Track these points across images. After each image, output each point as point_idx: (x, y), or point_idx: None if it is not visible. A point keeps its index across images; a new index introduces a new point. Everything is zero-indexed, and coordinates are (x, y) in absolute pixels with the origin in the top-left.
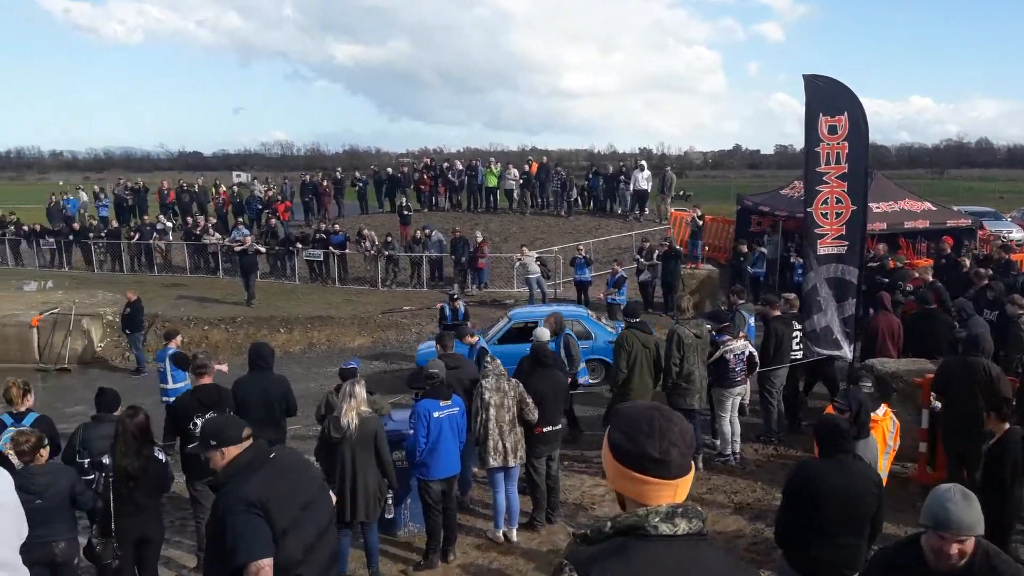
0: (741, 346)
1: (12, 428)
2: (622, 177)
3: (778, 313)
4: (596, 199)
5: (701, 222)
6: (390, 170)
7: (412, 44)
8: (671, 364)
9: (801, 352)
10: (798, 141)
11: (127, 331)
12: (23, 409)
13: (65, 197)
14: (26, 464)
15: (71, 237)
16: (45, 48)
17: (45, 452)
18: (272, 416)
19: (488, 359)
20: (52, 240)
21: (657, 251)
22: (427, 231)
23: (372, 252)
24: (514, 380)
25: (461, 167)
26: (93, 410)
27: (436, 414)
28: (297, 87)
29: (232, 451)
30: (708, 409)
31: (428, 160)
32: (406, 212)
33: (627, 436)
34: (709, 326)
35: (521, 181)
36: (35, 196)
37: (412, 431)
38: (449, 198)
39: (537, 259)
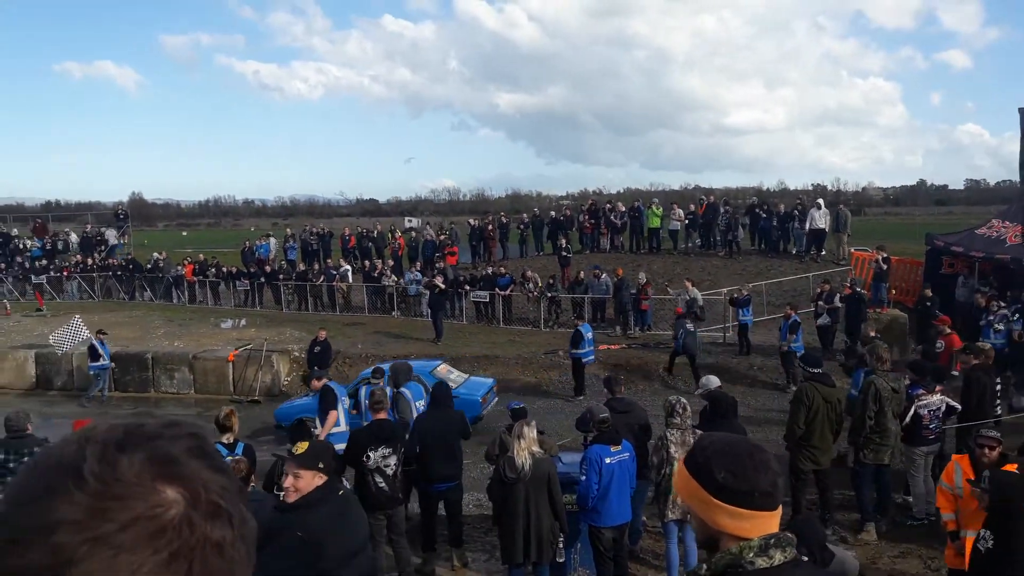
0: (937, 401)
1: (228, 457)
2: (796, 214)
3: (977, 362)
4: (768, 239)
5: (886, 265)
6: (553, 213)
7: (571, 89)
8: (865, 417)
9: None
10: (991, 175)
11: (313, 368)
12: (233, 440)
13: (258, 242)
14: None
15: (263, 279)
16: (238, 107)
17: (252, 481)
18: (451, 451)
19: (679, 409)
20: (246, 281)
21: (838, 294)
22: (596, 272)
23: (535, 294)
24: (700, 433)
25: (623, 208)
26: (283, 441)
27: (607, 460)
28: (462, 135)
29: (316, 479)
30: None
31: (590, 202)
32: (566, 254)
33: (734, 474)
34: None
35: (686, 221)
36: (231, 240)
37: (584, 477)
38: (611, 239)
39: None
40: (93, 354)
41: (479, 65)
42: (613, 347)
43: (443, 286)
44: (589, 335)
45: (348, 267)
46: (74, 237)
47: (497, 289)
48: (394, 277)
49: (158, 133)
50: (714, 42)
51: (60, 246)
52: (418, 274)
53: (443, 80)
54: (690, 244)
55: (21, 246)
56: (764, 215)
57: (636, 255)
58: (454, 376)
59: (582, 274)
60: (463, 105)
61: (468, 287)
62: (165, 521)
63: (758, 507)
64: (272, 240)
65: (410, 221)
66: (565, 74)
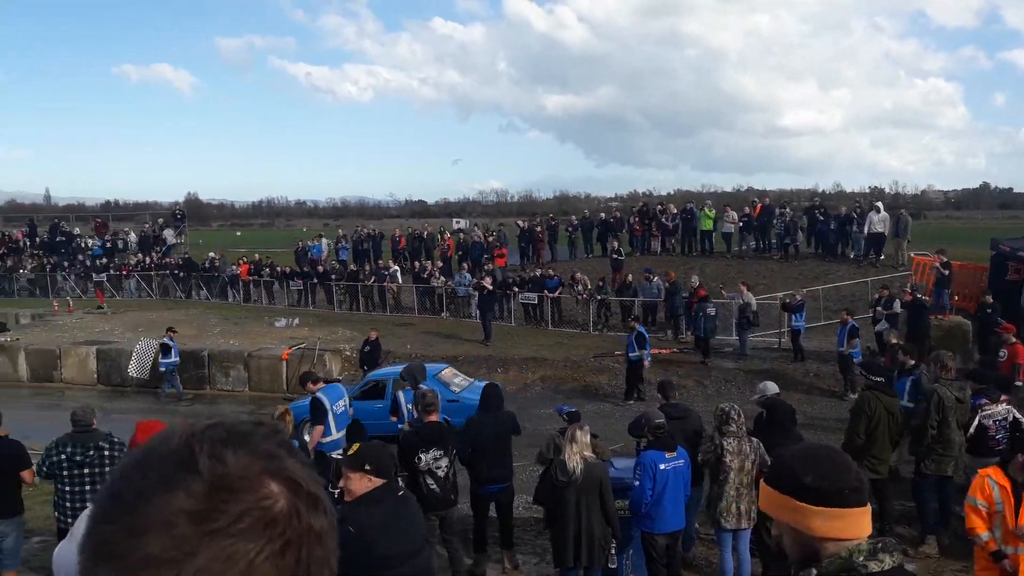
0: (1003, 411)
1: None
2: (855, 217)
3: None
4: (825, 242)
5: (947, 271)
6: (603, 215)
7: (620, 90)
8: (927, 427)
9: None
10: None
11: (364, 367)
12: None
13: (311, 243)
14: None
15: (315, 279)
16: (290, 109)
17: None
18: (503, 453)
19: (735, 416)
20: (299, 281)
21: (899, 300)
22: (647, 275)
23: (584, 296)
24: (755, 441)
25: (675, 210)
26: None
27: (662, 466)
28: (510, 137)
29: (366, 480)
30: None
31: (641, 204)
32: (617, 256)
33: (821, 476)
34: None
35: (740, 224)
36: (283, 241)
37: (637, 482)
38: (662, 242)
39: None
40: (165, 351)
41: (528, 67)
42: (664, 351)
43: (491, 287)
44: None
45: (398, 268)
46: (133, 236)
47: (546, 291)
48: (443, 278)
49: (213, 135)
50: (768, 41)
51: (120, 245)
52: (467, 275)
53: (492, 82)
54: (744, 247)
55: (83, 245)
56: (822, 218)
57: (688, 258)
58: (459, 380)
59: (631, 277)
60: (512, 107)
61: (516, 289)
62: (275, 512)
63: (850, 504)
64: (324, 241)
65: (458, 222)
66: (615, 75)
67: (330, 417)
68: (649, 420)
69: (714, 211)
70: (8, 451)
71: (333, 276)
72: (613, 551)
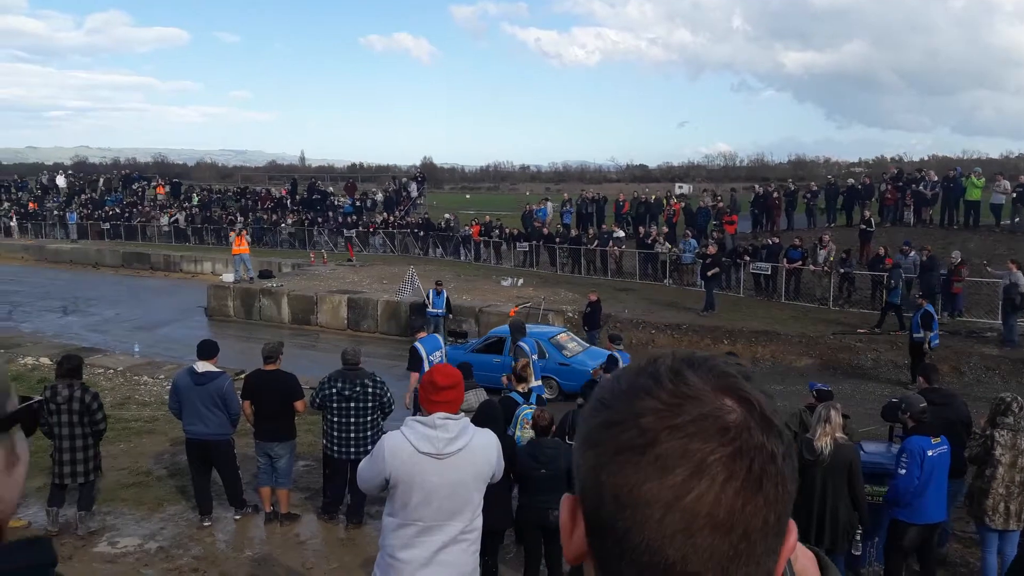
0: None
1: (527, 406)
2: None
3: None
4: None
5: None
6: (851, 181)
7: (871, 45)
8: None
9: None
10: None
11: (585, 327)
12: (528, 390)
13: (537, 207)
14: (539, 438)
15: (540, 241)
16: (518, 74)
17: (554, 429)
18: None
19: (1016, 408)
20: (525, 243)
21: None
22: (905, 247)
23: (826, 268)
24: None
25: (935, 177)
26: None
27: (930, 453)
28: (742, 98)
29: None
30: None
31: (893, 169)
32: (867, 227)
33: None
34: None
35: (1014, 195)
36: (508, 204)
37: (903, 470)
38: (918, 212)
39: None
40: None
41: (766, 22)
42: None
43: (716, 254)
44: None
45: (622, 232)
46: (380, 196)
47: (786, 261)
48: (668, 244)
49: (447, 101)
50: None
51: (368, 204)
52: (693, 242)
53: (725, 40)
54: (1016, 220)
55: (335, 203)
56: None
57: (948, 230)
58: (574, 345)
59: (882, 249)
60: (745, 65)
61: (748, 258)
62: (728, 421)
63: None
64: (550, 205)
65: (681, 187)
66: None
67: (425, 365)
68: (912, 404)
69: (983, 179)
70: (285, 382)
71: (557, 239)
72: (858, 537)
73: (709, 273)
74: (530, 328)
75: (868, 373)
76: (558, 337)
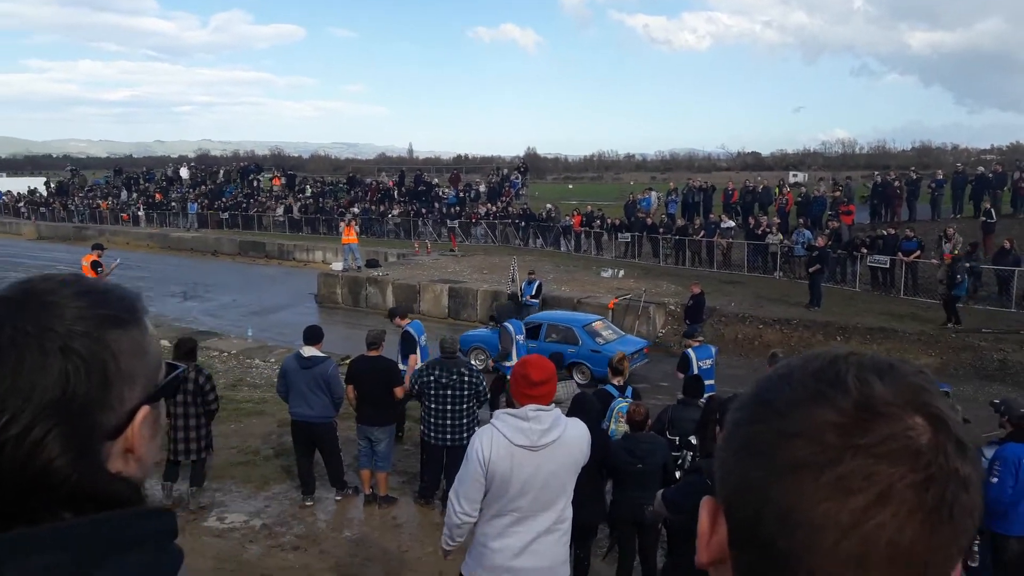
0: None
1: (622, 400)
2: None
3: None
4: None
5: None
6: (981, 169)
7: (1008, 23)
8: None
9: None
10: None
11: (687, 321)
12: (623, 384)
13: (641, 196)
14: (635, 433)
15: (643, 232)
16: (625, 62)
17: (648, 424)
18: None
19: None
20: (627, 234)
21: None
22: None
23: (947, 262)
24: None
25: None
26: (679, 391)
27: None
28: (863, 82)
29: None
30: None
31: None
32: (988, 219)
33: None
34: None
35: None
36: (611, 193)
37: (995, 479)
38: None
39: None
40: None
41: (889, 1)
42: None
43: (822, 246)
44: None
45: (732, 223)
46: (483, 187)
47: (900, 254)
48: (780, 235)
49: (552, 90)
50: None
51: (472, 195)
52: (807, 233)
53: (845, 20)
54: None
55: (440, 194)
56: None
57: None
58: (608, 333)
59: (1007, 243)
60: (866, 47)
61: (865, 250)
62: (920, 444)
63: None
64: (654, 194)
65: (795, 175)
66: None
67: (419, 350)
68: (1011, 408)
69: None
70: (385, 368)
71: (661, 229)
72: (976, 548)
73: (811, 269)
74: (565, 314)
75: (994, 375)
76: (593, 324)
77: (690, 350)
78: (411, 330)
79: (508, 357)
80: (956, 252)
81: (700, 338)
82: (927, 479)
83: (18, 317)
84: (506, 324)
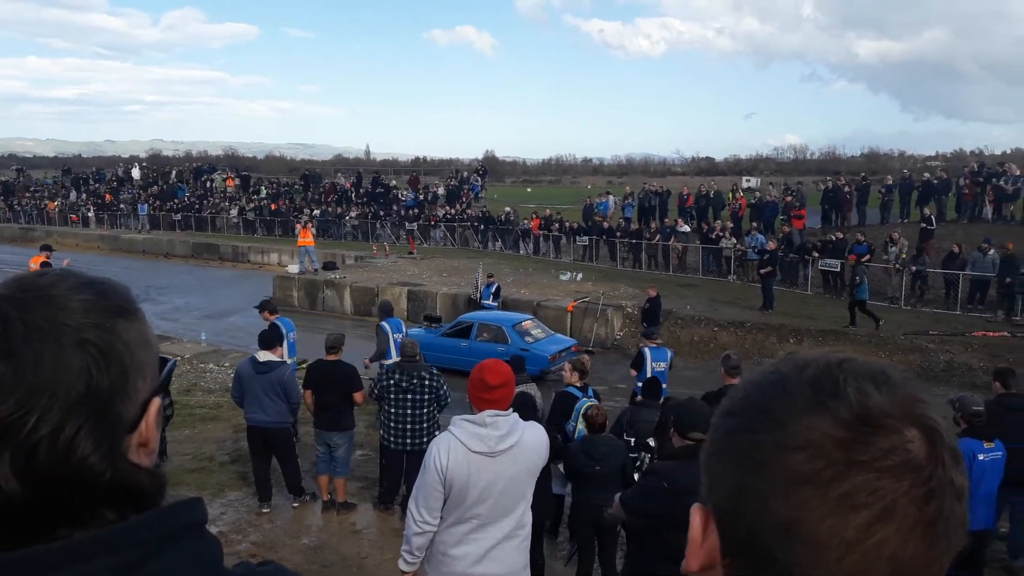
0: None
1: (585, 400)
2: None
3: None
4: None
5: None
6: (927, 175)
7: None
8: None
9: None
10: None
11: (644, 323)
12: (583, 385)
13: (599, 200)
14: (593, 435)
15: (601, 236)
16: (581, 66)
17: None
18: None
19: None
20: (585, 238)
21: None
22: (985, 245)
23: (897, 266)
24: None
25: (1018, 171)
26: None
27: (980, 457)
28: (813, 89)
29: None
30: None
31: (974, 164)
32: (927, 226)
33: None
34: None
35: None
36: (569, 197)
37: None
38: (998, 208)
39: None
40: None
41: (838, 10)
42: (992, 334)
43: (771, 250)
44: None
45: (687, 227)
46: (441, 190)
47: (852, 256)
48: (733, 239)
49: (509, 94)
50: None
51: (430, 197)
52: (760, 237)
53: (795, 28)
54: None
55: (399, 196)
56: None
57: None
58: (537, 332)
59: (956, 247)
60: (816, 55)
61: (816, 254)
62: (920, 458)
63: None
64: (611, 198)
65: (748, 180)
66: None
67: (285, 343)
68: (965, 405)
69: None
70: (345, 373)
71: (618, 233)
72: None
73: (762, 271)
74: (496, 313)
75: (940, 376)
76: (523, 324)
77: (646, 348)
78: (278, 323)
79: (384, 356)
80: (903, 256)
81: (658, 340)
82: (928, 493)
83: (25, 312)
84: (382, 323)
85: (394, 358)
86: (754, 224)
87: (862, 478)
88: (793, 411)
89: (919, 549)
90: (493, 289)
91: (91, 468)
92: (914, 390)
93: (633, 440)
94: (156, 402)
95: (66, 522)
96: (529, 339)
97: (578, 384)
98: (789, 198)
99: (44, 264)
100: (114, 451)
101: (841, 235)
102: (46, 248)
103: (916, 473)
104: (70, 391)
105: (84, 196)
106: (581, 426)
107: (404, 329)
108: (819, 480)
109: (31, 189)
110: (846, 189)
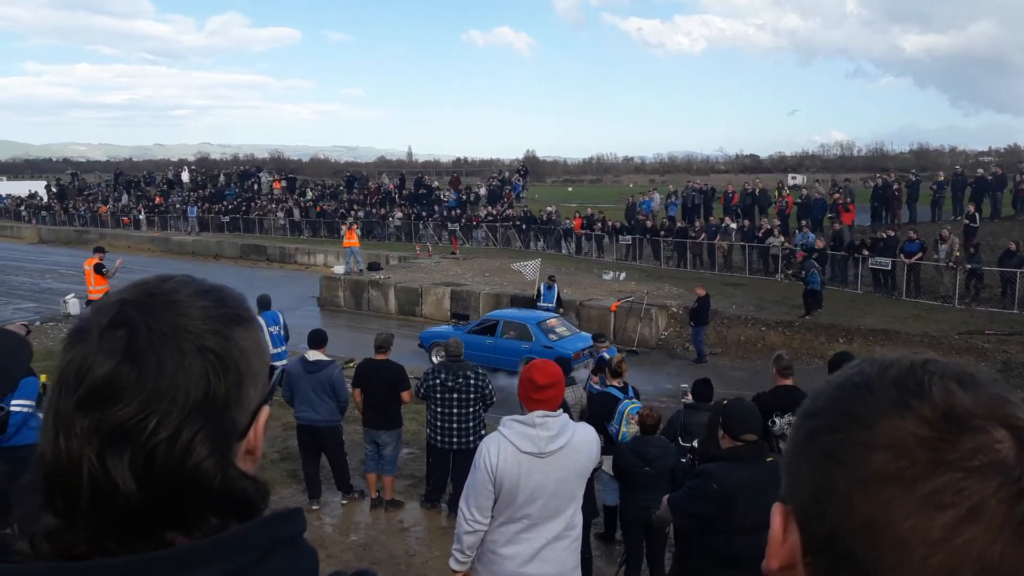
0: None
1: (629, 401)
2: None
3: None
4: None
5: None
6: (980, 171)
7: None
8: None
9: None
10: None
11: (692, 323)
12: (624, 385)
13: (642, 198)
14: (645, 436)
15: (644, 235)
16: (621, 65)
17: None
18: None
19: None
20: (628, 236)
21: None
22: None
23: (951, 264)
24: None
25: None
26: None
27: None
28: (858, 84)
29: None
30: None
31: None
32: (971, 223)
33: None
34: None
35: None
36: (610, 196)
37: None
38: None
39: None
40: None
41: (882, 4)
42: None
43: (818, 249)
44: None
45: (734, 225)
46: (483, 190)
47: (902, 256)
48: (781, 238)
49: (548, 93)
50: None
51: (472, 198)
52: (810, 235)
53: (838, 24)
54: None
55: (440, 197)
56: None
57: None
58: (562, 329)
59: (1013, 244)
60: (861, 51)
61: (867, 252)
62: (1009, 458)
63: None
64: (656, 196)
65: (794, 178)
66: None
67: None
68: None
69: None
70: (392, 372)
71: (662, 232)
72: None
73: (804, 273)
74: (521, 312)
75: (997, 376)
76: (547, 321)
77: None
78: (263, 316)
79: None
80: (957, 254)
81: (607, 343)
82: (1018, 493)
83: (150, 317)
84: (260, 316)
85: (272, 350)
86: (803, 222)
87: (948, 477)
88: (877, 411)
89: (1008, 549)
90: (555, 293)
91: (204, 473)
92: (1001, 391)
93: (691, 444)
94: (266, 410)
95: (174, 526)
96: (553, 336)
97: (616, 385)
98: (837, 195)
99: (98, 266)
100: (226, 457)
101: (892, 232)
102: (99, 250)
103: (1005, 473)
104: (189, 396)
105: (135, 199)
106: (625, 428)
107: (281, 321)
108: (903, 479)
109: (84, 193)
110: (895, 186)
